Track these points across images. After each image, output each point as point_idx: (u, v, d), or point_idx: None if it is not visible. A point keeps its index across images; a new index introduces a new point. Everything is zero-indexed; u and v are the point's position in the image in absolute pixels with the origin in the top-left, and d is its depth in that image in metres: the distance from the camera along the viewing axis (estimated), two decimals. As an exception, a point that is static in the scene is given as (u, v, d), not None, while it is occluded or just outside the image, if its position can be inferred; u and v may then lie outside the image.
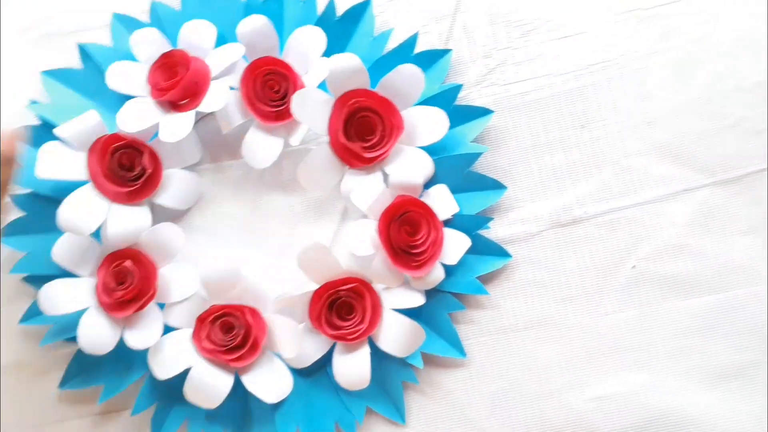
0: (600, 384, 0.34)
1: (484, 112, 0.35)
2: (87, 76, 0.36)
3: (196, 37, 0.35)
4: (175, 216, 0.35)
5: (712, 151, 0.35)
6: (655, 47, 0.36)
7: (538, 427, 0.34)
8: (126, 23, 0.36)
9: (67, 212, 0.32)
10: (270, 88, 0.34)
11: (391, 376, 0.33)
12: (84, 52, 0.36)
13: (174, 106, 0.34)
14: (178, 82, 0.33)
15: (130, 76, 0.35)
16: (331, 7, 0.35)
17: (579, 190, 0.35)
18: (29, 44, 0.37)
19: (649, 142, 0.35)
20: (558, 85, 0.36)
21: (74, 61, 0.36)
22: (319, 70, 0.34)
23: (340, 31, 0.35)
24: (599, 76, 0.36)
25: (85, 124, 0.33)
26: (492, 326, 0.35)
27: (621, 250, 0.35)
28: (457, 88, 0.35)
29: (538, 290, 0.35)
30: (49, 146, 0.33)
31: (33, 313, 0.33)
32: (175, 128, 0.33)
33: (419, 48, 0.35)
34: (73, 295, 0.32)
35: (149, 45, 0.35)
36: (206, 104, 0.34)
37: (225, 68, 0.34)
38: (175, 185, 0.35)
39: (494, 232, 0.35)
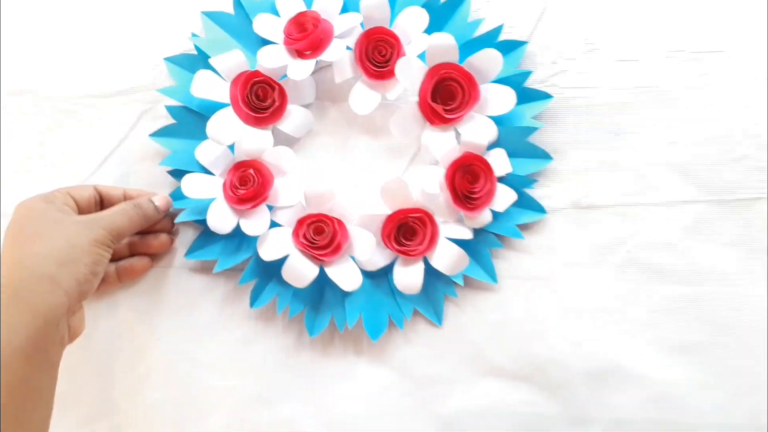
0: (580, 333, 0.42)
1: (545, 96, 0.43)
2: (237, 21, 0.44)
3: (326, 3, 0.43)
4: (290, 141, 0.44)
5: (716, 175, 0.42)
6: (690, 84, 0.43)
7: (522, 355, 0.42)
8: (272, -17, 0.45)
9: (213, 125, 0.41)
10: (378, 52, 0.42)
11: (436, 288, 0.43)
12: (237, 1, 0.45)
13: (300, 54, 0.43)
14: (308, 35, 0.42)
15: (271, 26, 0.43)
16: (437, -6, 0.44)
17: (601, 182, 0.43)
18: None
19: (667, 158, 0.43)
20: (604, 97, 0.43)
21: (228, 7, 0.45)
22: (420, 43, 0.42)
23: (441, 14, 0.43)
24: (640, 97, 0.43)
25: (233, 60, 0.42)
26: (509, 270, 0.43)
27: (622, 236, 0.43)
28: (527, 74, 0.43)
29: (549, 252, 0.43)
30: (203, 73, 0.42)
31: (176, 196, 0.43)
32: (300, 70, 0.42)
33: (502, 37, 0.43)
34: (207, 187, 0.42)
35: (290, 4, 0.44)
36: (326, 55, 0.42)
37: (345, 31, 0.42)
38: (294, 117, 0.43)
39: (532, 193, 0.43)
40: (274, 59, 0.42)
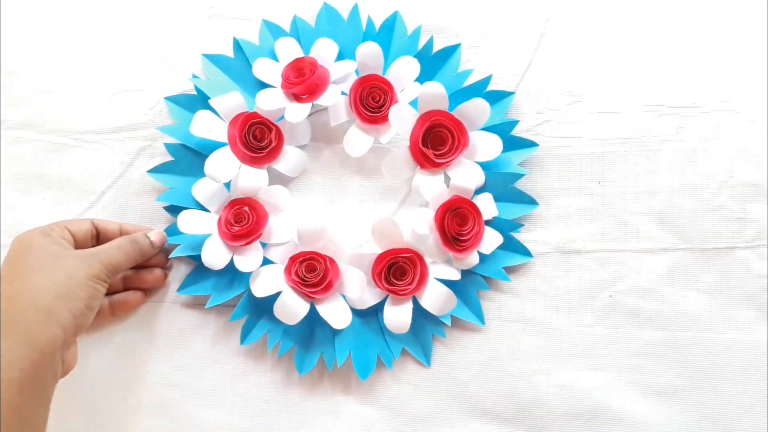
0: (563, 376, 0.43)
1: (531, 144, 0.45)
2: (236, 64, 0.46)
3: (323, 50, 0.45)
4: (285, 180, 0.45)
5: (694, 225, 0.44)
6: (670, 137, 0.45)
7: (508, 396, 0.43)
8: (272, 29, 0.47)
9: (211, 163, 0.43)
10: (372, 98, 0.43)
11: (425, 328, 0.43)
12: (237, 44, 0.47)
13: (297, 97, 0.45)
14: (305, 80, 0.43)
15: (269, 70, 0.45)
16: (429, 45, 0.46)
17: (583, 229, 0.45)
18: (194, 29, 0.47)
19: (647, 206, 0.45)
20: (587, 147, 0.45)
21: (228, 50, 0.47)
22: (412, 91, 0.44)
23: (433, 64, 0.45)
24: (621, 148, 0.45)
25: (232, 101, 0.44)
26: (495, 312, 0.44)
27: (604, 281, 0.44)
28: (514, 123, 0.45)
29: (534, 295, 0.44)
30: (203, 113, 0.44)
31: (172, 232, 0.44)
32: (296, 113, 0.43)
33: (490, 88, 0.45)
34: (202, 223, 0.43)
35: (288, 50, 0.46)
36: (322, 100, 0.44)
37: (341, 77, 0.44)
38: (289, 158, 0.45)
39: (519, 237, 0.45)
40: (272, 102, 0.44)
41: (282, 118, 0.44)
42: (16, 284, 0.35)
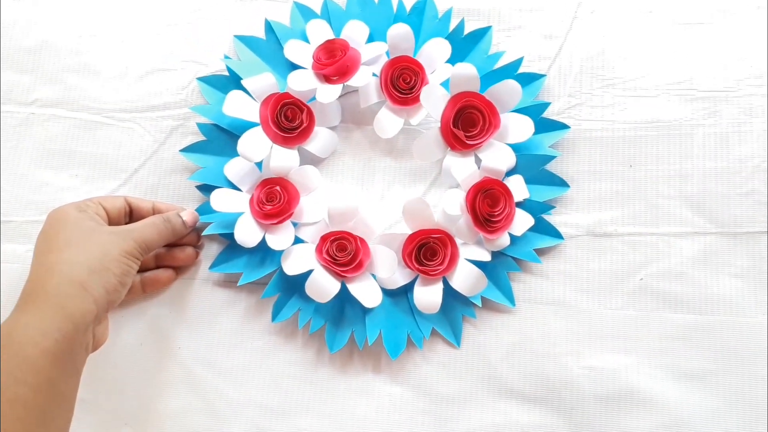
0: (593, 357, 0.43)
1: (563, 126, 0.45)
2: (268, 45, 0.46)
3: (354, 32, 0.45)
4: (316, 161, 0.46)
5: (726, 209, 0.44)
6: (702, 121, 0.45)
7: (537, 377, 0.43)
8: (303, 11, 0.47)
9: (244, 143, 0.43)
10: (403, 80, 0.44)
11: (455, 309, 0.43)
12: (269, 26, 0.47)
13: (328, 79, 0.45)
14: (336, 61, 0.44)
15: (300, 52, 0.45)
16: (460, 27, 0.46)
17: (615, 212, 0.45)
18: (227, 11, 0.48)
19: (679, 190, 0.44)
20: (619, 131, 0.45)
21: (259, 32, 0.47)
22: (443, 72, 0.44)
23: (464, 46, 0.45)
24: (653, 132, 0.45)
25: (264, 81, 0.44)
26: (525, 293, 0.44)
27: (635, 264, 0.44)
28: (546, 105, 0.45)
29: (564, 278, 0.44)
30: (235, 93, 0.44)
31: (203, 210, 0.44)
32: (328, 94, 0.44)
33: (522, 70, 0.45)
34: (234, 202, 0.43)
35: (319, 31, 0.46)
36: (353, 81, 0.44)
37: (371, 58, 0.45)
38: (320, 138, 0.45)
39: (550, 219, 0.45)
40: (303, 83, 0.44)
41: (313, 99, 0.44)
42: (51, 257, 0.36)
